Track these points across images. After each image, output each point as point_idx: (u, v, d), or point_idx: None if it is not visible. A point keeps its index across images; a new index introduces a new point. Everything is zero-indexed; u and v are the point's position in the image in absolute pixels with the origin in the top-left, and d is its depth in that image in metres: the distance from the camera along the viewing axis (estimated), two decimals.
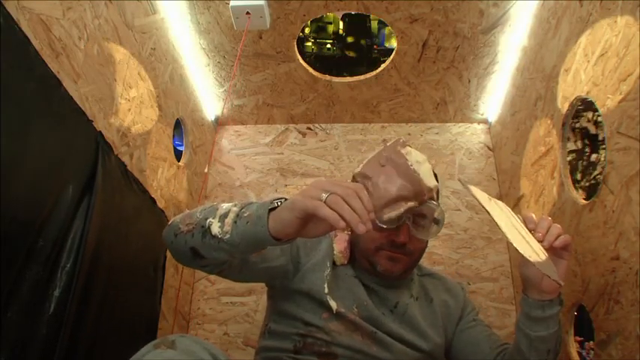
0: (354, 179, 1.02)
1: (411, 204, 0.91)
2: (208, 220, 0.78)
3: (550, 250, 0.82)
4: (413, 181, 0.91)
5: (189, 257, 0.82)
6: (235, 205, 0.78)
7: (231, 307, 1.66)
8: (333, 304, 0.95)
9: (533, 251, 0.78)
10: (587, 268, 1.05)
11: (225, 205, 0.79)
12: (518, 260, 0.87)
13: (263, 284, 1.10)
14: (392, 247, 0.95)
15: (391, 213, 0.90)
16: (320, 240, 1.03)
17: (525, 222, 0.86)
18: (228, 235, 0.75)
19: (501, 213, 0.83)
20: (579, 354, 1.15)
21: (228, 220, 0.76)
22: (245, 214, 0.75)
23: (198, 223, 0.79)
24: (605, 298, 0.96)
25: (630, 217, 0.88)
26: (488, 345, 1.02)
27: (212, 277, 1.70)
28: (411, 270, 1.06)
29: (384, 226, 0.92)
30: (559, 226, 0.84)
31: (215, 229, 0.76)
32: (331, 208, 0.66)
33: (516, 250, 0.76)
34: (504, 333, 1.52)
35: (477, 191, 0.85)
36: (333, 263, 1.01)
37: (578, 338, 1.19)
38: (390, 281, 1.02)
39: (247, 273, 0.93)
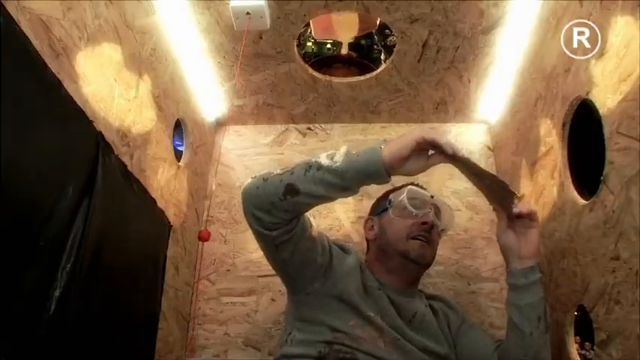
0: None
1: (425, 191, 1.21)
2: (314, 159, 0.90)
3: (520, 222, 0.99)
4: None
5: (278, 195, 0.88)
6: (342, 148, 0.92)
7: (231, 307, 1.65)
8: (364, 307, 1.03)
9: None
10: (587, 268, 1.05)
11: (330, 151, 0.93)
12: (497, 233, 1.03)
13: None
14: (420, 233, 1.11)
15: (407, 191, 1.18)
16: (347, 255, 1.13)
17: None
18: (338, 164, 0.87)
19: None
20: (579, 354, 1.15)
21: (340, 152, 0.89)
22: (353, 152, 0.89)
23: (299, 164, 0.90)
24: (605, 298, 0.96)
25: (630, 217, 0.88)
26: (486, 341, 1.13)
27: (212, 277, 1.70)
28: (423, 272, 1.20)
29: (415, 210, 1.13)
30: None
31: (324, 161, 0.89)
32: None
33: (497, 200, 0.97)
34: (504, 333, 1.52)
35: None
36: (361, 271, 1.11)
37: (578, 338, 1.19)
38: (406, 287, 1.14)
39: (296, 257, 1.00)
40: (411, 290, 1.16)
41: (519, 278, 0.99)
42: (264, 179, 0.92)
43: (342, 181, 0.88)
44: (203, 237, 1.63)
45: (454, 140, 1.87)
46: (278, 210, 0.91)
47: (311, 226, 1.02)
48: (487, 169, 1.00)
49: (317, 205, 0.94)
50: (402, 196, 1.16)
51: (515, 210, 0.97)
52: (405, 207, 1.15)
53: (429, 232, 1.13)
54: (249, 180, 0.95)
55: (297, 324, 1.05)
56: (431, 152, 0.90)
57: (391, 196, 1.21)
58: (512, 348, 1.00)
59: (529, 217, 0.98)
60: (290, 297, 1.11)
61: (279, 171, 0.92)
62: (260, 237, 0.98)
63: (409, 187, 1.20)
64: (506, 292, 1.53)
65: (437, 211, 1.19)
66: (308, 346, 1.00)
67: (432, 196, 1.18)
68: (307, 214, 1.01)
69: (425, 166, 0.90)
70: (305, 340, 1.01)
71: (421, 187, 1.24)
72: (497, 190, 0.99)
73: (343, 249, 1.16)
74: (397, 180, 1.08)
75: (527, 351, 0.97)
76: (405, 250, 1.11)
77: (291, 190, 0.88)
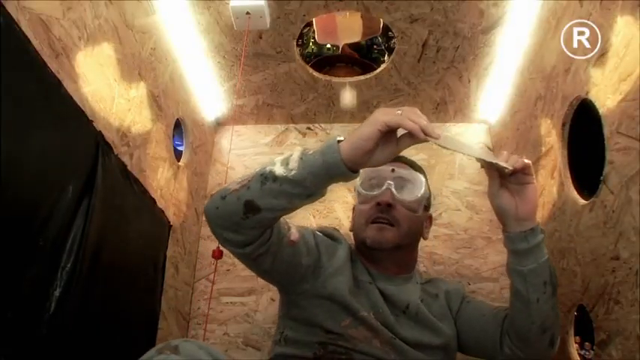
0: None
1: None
2: (268, 168, 0.80)
3: (514, 178, 0.87)
4: None
5: (239, 214, 0.80)
6: (295, 152, 0.81)
7: (231, 307, 1.65)
8: (356, 306, 0.97)
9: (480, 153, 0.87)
10: (587, 268, 1.05)
11: (282, 156, 0.82)
12: (490, 195, 0.90)
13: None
14: (379, 216, 1.00)
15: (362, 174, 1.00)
16: (337, 247, 1.05)
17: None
18: (294, 171, 0.77)
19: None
20: (579, 354, 1.15)
21: (294, 158, 0.79)
22: (310, 152, 0.79)
23: (254, 176, 0.81)
24: (605, 298, 0.96)
25: (630, 217, 0.88)
26: (487, 308, 1.05)
27: (212, 277, 1.70)
28: (406, 252, 1.07)
29: (369, 192, 1.02)
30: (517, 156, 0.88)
31: (279, 170, 0.79)
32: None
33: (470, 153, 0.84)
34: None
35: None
36: (351, 263, 1.04)
37: (578, 338, 1.19)
38: (394, 273, 1.05)
39: (278, 265, 0.93)
40: (403, 277, 1.06)
41: (520, 243, 0.88)
42: (222, 197, 0.83)
43: (304, 190, 0.78)
44: (216, 256, 1.63)
45: None
46: (244, 228, 0.83)
47: (289, 229, 0.94)
48: (469, 146, 0.88)
49: (286, 214, 0.85)
50: (357, 180, 1.03)
51: (509, 170, 0.84)
52: (360, 192, 1.05)
53: (386, 212, 1.01)
54: (209, 198, 0.86)
55: (290, 323, 1.01)
56: (400, 133, 0.79)
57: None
58: (517, 316, 0.92)
59: (523, 171, 0.86)
60: (281, 296, 1.07)
61: (236, 185, 0.82)
62: (235, 254, 0.91)
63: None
64: (506, 292, 1.52)
65: (401, 182, 1.04)
66: (303, 347, 0.97)
67: (392, 169, 1.04)
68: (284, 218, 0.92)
69: (395, 153, 0.79)
70: (299, 340, 0.98)
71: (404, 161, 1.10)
72: (489, 164, 0.88)
73: (333, 238, 1.08)
74: None
75: (534, 319, 0.89)
76: (363, 238, 1.02)
77: (250, 207, 0.79)
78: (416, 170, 1.10)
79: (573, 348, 1.13)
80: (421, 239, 1.12)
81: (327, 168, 0.76)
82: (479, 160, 0.86)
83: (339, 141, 0.77)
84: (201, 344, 0.72)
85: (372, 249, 1.02)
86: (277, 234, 0.88)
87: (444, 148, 0.80)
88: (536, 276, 0.88)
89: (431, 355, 1.00)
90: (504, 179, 0.88)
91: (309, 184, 0.78)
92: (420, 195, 1.04)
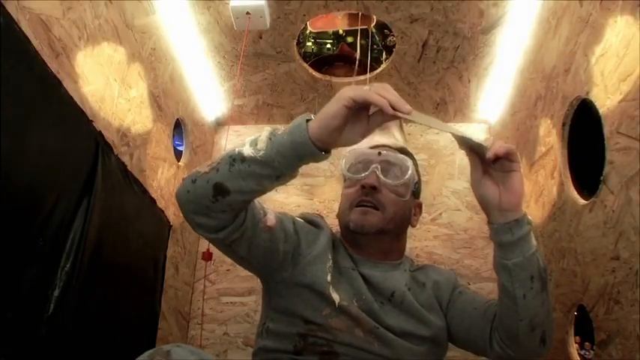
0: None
1: (364, 147, 1.01)
2: (237, 149, 0.78)
3: (498, 165, 0.81)
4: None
5: (209, 198, 0.78)
6: (264, 131, 0.78)
7: (231, 307, 1.65)
8: (335, 296, 0.94)
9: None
10: (587, 268, 1.05)
11: (252, 136, 0.79)
12: (473, 185, 0.86)
13: (262, 296, 1.07)
14: (363, 199, 0.97)
15: (347, 155, 1.00)
16: (319, 234, 1.02)
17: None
18: (262, 152, 0.75)
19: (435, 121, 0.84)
20: (579, 354, 1.15)
21: (262, 138, 0.76)
22: (279, 132, 0.76)
23: (223, 158, 0.79)
24: (605, 298, 0.96)
25: (630, 217, 0.88)
26: (477, 302, 1.00)
27: (212, 277, 1.70)
28: (392, 238, 1.03)
29: (354, 175, 0.99)
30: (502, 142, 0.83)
31: (247, 151, 0.76)
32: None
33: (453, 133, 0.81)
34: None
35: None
36: (333, 250, 1.01)
37: (578, 338, 1.19)
38: (379, 259, 1.01)
39: (254, 251, 0.90)
40: (389, 263, 1.03)
41: (504, 234, 0.82)
42: (192, 181, 0.81)
43: (273, 170, 0.76)
44: (206, 258, 1.64)
45: (454, 140, 1.87)
46: (215, 212, 0.81)
47: (265, 214, 0.91)
48: (442, 123, 0.85)
49: (257, 197, 0.83)
50: (343, 164, 1.01)
51: (489, 154, 0.79)
52: (346, 176, 1.02)
53: (371, 195, 0.98)
54: (181, 182, 0.84)
55: (271, 313, 0.98)
56: (372, 110, 0.75)
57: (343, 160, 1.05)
58: (505, 313, 0.87)
59: (507, 157, 0.80)
60: (263, 286, 1.05)
61: (206, 168, 0.80)
62: (209, 240, 0.88)
63: (350, 150, 1.01)
64: None
65: (387, 166, 1.01)
66: (283, 339, 0.94)
67: (379, 153, 1.01)
68: (260, 201, 0.90)
69: (367, 131, 0.75)
70: (279, 332, 0.95)
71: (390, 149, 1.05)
72: (462, 139, 0.84)
73: (315, 224, 1.04)
74: None
75: (521, 316, 0.84)
76: (347, 222, 0.99)
77: (220, 190, 0.77)
78: (404, 154, 1.05)
79: (573, 348, 1.12)
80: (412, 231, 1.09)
81: (296, 148, 0.74)
82: (455, 137, 0.83)
83: (307, 120, 0.74)
84: (193, 349, 0.71)
85: (355, 233, 0.99)
86: (252, 219, 0.86)
87: (416, 123, 0.77)
88: (522, 270, 0.83)
89: (418, 345, 0.96)
90: (487, 166, 0.82)
91: (278, 165, 0.75)
92: (406, 178, 1.00)
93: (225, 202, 0.79)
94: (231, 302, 1.66)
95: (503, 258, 0.84)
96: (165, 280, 1.40)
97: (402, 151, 1.07)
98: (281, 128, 0.77)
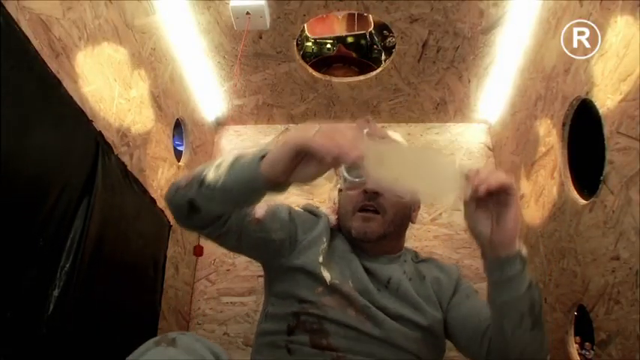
0: None
1: None
2: (205, 171, 0.78)
3: (492, 200, 0.74)
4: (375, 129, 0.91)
5: (185, 212, 0.81)
6: (232, 157, 0.79)
7: (231, 307, 1.65)
8: (326, 275, 0.95)
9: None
10: (587, 268, 1.05)
11: (222, 158, 0.80)
12: (466, 217, 0.78)
13: (262, 285, 1.09)
14: (363, 201, 0.98)
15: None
16: (317, 221, 1.04)
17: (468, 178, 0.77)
18: (221, 181, 0.75)
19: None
20: (579, 354, 1.15)
21: (223, 167, 0.77)
22: (240, 162, 0.76)
23: (196, 176, 0.80)
24: (605, 298, 0.96)
25: (630, 217, 0.88)
26: (478, 318, 0.96)
27: (212, 277, 1.70)
28: (393, 239, 1.03)
29: (356, 179, 0.91)
30: (497, 175, 0.75)
31: (210, 177, 0.77)
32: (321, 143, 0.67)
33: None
34: None
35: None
36: (330, 235, 1.02)
37: (578, 338, 1.19)
38: (378, 253, 1.02)
39: (246, 241, 0.92)
40: (388, 257, 1.03)
41: (494, 271, 0.78)
42: (175, 191, 0.82)
43: (233, 199, 0.77)
44: (197, 253, 1.65)
45: (454, 140, 1.87)
46: (194, 226, 0.85)
47: (253, 207, 0.91)
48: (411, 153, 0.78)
49: (228, 216, 0.83)
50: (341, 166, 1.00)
51: (470, 193, 0.72)
52: (346, 178, 0.97)
53: (373, 199, 0.97)
54: (169, 187, 0.86)
55: (272, 299, 1.01)
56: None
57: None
58: (495, 343, 0.86)
59: (502, 190, 0.73)
60: (264, 273, 1.07)
61: (185, 181, 0.81)
62: (198, 233, 0.92)
63: None
64: None
65: None
66: (279, 321, 0.95)
67: None
68: None
69: (319, 172, 0.72)
70: (276, 314, 0.97)
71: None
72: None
73: (314, 213, 1.06)
74: None
75: (510, 349, 0.81)
76: (349, 228, 1.00)
77: (193, 207, 0.79)
78: None
79: (573, 348, 1.12)
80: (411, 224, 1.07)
81: (249, 183, 0.74)
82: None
83: (262, 156, 0.73)
84: (198, 337, 0.72)
85: (357, 239, 1.00)
86: (237, 214, 0.87)
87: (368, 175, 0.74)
88: (511, 309, 0.79)
89: (412, 331, 0.95)
90: (481, 198, 0.74)
91: (237, 195, 0.77)
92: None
93: (199, 218, 0.82)
94: (231, 302, 1.66)
95: (492, 294, 0.81)
96: (165, 280, 1.40)
97: None
98: (246, 155, 0.77)
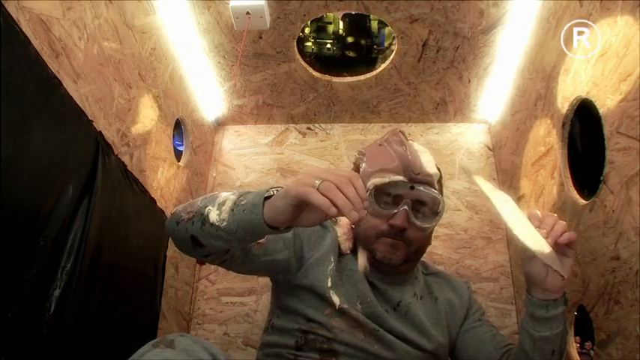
0: (355, 165, 1.05)
1: (398, 177, 0.95)
2: (207, 208, 0.78)
3: (554, 247, 0.80)
4: (402, 156, 0.96)
5: (189, 246, 0.82)
6: (233, 194, 0.78)
7: (231, 307, 1.66)
8: (336, 299, 0.95)
9: (537, 244, 0.79)
10: (587, 268, 1.05)
11: (224, 194, 0.80)
12: (522, 258, 0.86)
13: (263, 284, 1.09)
14: (391, 233, 0.96)
15: (375, 180, 0.95)
16: (324, 235, 1.03)
17: (530, 218, 0.83)
18: (225, 223, 0.75)
19: (505, 204, 0.83)
20: (579, 354, 1.15)
21: (226, 207, 0.76)
22: (242, 202, 0.75)
23: (197, 212, 0.80)
24: (605, 298, 0.96)
25: (630, 217, 0.88)
26: (492, 345, 1.01)
27: (212, 277, 1.70)
28: (412, 263, 1.05)
29: (383, 210, 0.95)
30: (564, 223, 0.82)
31: (213, 216, 0.76)
32: (324, 195, 0.66)
33: (520, 243, 0.78)
34: (504, 333, 1.52)
35: (481, 181, 0.85)
36: (339, 252, 1.01)
37: (578, 338, 1.19)
38: (391, 274, 1.02)
39: (250, 265, 0.92)
40: (400, 277, 1.03)
41: (539, 309, 0.84)
42: (176, 223, 0.82)
43: (237, 239, 0.76)
44: (199, 262, 1.65)
45: (454, 140, 1.87)
46: (199, 256, 0.85)
47: None
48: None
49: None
50: (370, 190, 0.95)
51: (549, 242, 0.78)
52: (371, 202, 0.95)
53: (399, 234, 0.96)
54: (170, 216, 0.86)
55: (277, 311, 1.01)
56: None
57: (369, 182, 0.97)
58: None
59: (568, 244, 0.80)
60: (272, 285, 1.07)
61: (186, 215, 0.81)
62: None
63: (376, 177, 0.96)
64: (506, 292, 1.51)
65: (418, 205, 0.97)
66: (286, 335, 0.96)
67: (412, 187, 0.95)
68: None
69: (323, 220, 0.72)
70: (282, 328, 0.98)
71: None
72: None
73: (321, 225, 1.04)
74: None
75: None
76: (372, 249, 0.98)
77: (196, 242, 0.80)
78: (436, 186, 1.00)
79: (573, 348, 1.12)
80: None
81: (252, 226, 0.73)
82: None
83: (266, 197, 0.73)
84: (197, 339, 0.72)
85: (379, 262, 0.98)
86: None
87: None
88: (547, 343, 0.85)
89: (418, 354, 0.98)
90: None
91: (241, 236, 0.76)
92: (436, 220, 0.98)
93: (203, 252, 0.83)
94: (231, 302, 1.66)
95: (532, 328, 0.86)
96: (165, 280, 1.40)
97: (432, 181, 1.00)
98: (248, 196, 0.76)
